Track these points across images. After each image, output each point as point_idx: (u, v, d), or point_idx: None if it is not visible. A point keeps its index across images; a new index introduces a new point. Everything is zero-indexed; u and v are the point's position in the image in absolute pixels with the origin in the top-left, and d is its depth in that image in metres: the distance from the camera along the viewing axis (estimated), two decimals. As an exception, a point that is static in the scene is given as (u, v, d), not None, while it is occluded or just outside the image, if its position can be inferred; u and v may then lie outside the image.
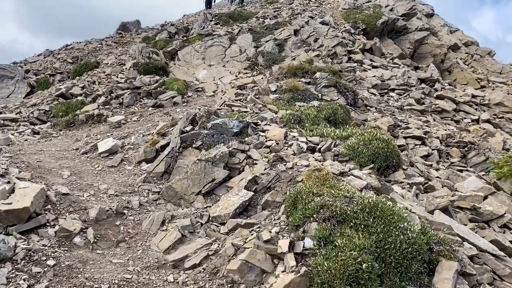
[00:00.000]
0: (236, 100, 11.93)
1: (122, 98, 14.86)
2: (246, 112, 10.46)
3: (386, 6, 25.95)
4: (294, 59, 18.96)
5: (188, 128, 9.00)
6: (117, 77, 16.77)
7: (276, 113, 10.85)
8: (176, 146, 8.50)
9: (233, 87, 16.83)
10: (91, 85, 16.11)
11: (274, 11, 27.19)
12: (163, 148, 8.88)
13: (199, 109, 10.48)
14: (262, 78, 17.30)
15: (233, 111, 10.41)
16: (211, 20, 25.56)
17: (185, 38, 23.34)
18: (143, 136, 10.07)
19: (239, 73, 18.71)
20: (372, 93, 15.38)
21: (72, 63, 19.67)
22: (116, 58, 19.83)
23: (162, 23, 35.07)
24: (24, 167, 7.43)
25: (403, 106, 14.70)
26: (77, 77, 17.65)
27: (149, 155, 8.77)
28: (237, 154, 7.66)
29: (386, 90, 16.27)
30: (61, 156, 8.80)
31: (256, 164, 7.47)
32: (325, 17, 23.57)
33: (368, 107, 13.75)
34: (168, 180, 7.80)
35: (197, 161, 7.32)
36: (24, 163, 7.63)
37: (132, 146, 9.53)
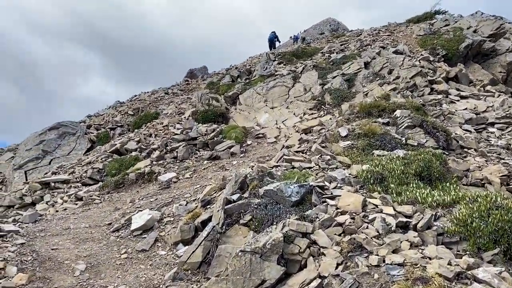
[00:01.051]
0: (298, 152, 9.72)
1: (177, 152, 13.36)
2: (310, 168, 8.21)
3: (468, 28, 22.66)
4: (366, 94, 16.48)
5: (235, 196, 6.95)
6: (174, 128, 15.46)
7: (348, 167, 8.48)
8: (218, 223, 6.44)
9: (297, 131, 14.71)
10: (147, 139, 14.89)
11: (341, 45, 25.05)
12: (204, 223, 6.87)
13: (252, 167, 8.43)
14: (330, 118, 15.01)
15: (293, 168, 8.22)
16: (274, 60, 24.03)
17: (247, 81, 21.92)
18: (187, 203, 8.20)
19: (304, 114, 16.60)
20: (466, 130, 12.37)
21: (133, 115, 18.94)
22: (176, 107, 18.76)
23: (227, 67, 34.51)
24: (29, 261, 5.80)
25: (510, 144, 11.50)
26: (136, 130, 16.66)
27: (187, 235, 6.79)
28: (296, 239, 5.39)
29: (483, 125, 13.11)
30: (86, 237, 7.16)
31: (324, 254, 5.14)
32: (398, 46, 20.91)
33: (465, 149, 10.80)
34: (206, 275, 5.70)
35: (240, 254, 5.16)
36: (33, 255, 6.03)
37: (172, 219, 7.66)
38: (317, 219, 5.98)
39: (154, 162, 12.96)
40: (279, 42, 41.03)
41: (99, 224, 7.88)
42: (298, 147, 11.30)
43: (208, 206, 7.58)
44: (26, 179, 15.18)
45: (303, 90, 18.45)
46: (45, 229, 7.57)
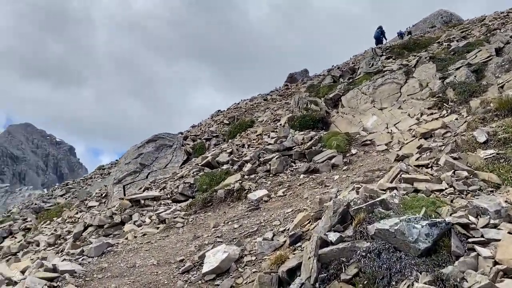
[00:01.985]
0: (420, 167, 7.27)
1: (270, 164, 11.71)
2: (440, 191, 5.82)
3: None
4: (502, 87, 13.06)
5: (333, 236, 4.96)
6: (269, 137, 13.88)
7: (497, 188, 5.91)
8: (310, 278, 4.52)
9: (414, 136, 12.04)
10: (239, 150, 13.56)
11: (462, 32, 21.20)
12: (291, 273, 4.99)
13: (356, 190, 6.31)
14: (456, 119, 12.02)
15: (416, 191, 5.90)
16: (381, 55, 21.19)
17: (350, 81, 19.53)
18: (273, 236, 6.41)
19: (421, 114, 13.72)
20: None
21: (228, 124, 17.89)
22: (272, 113, 17.23)
23: (329, 68, 32.22)
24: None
25: None
26: (230, 140, 15.49)
27: (268, 289, 4.97)
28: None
29: None
30: (149, 281, 5.81)
31: None
32: (541, 24, 16.69)
33: None
34: None
35: None
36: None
37: (253, 259, 5.93)
38: (465, 283, 3.72)
39: (246, 177, 11.48)
40: (386, 39, 37.48)
41: (169, 261, 6.51)
42: (418, 158, 8.80)
43: (298, 244, 5.69)
44: (124, 194, 14.90)
45: (419, 86, 15.51)
46: (108, 267, 6.47)
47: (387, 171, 8.36)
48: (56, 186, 34.67)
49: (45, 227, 15.99)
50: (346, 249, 4.69)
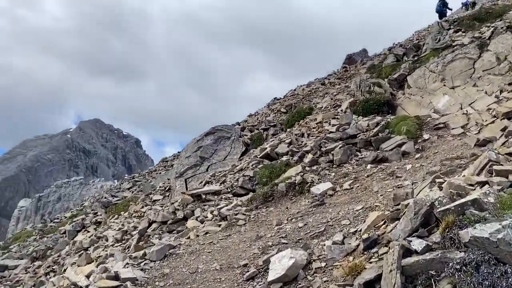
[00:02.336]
0: (511, 155, 6.23)
1: (332, 154, 11.01)
2: (545, 186, 4.87)
3: None
4: None
5: (418, 244, 4.27)
6: (329, 125, 13.12)
7: None
8: (393, 294, 3.89)
9: (494, 116, 10.74)
10: (299, 139, 12.95)
11: (544, -6, 18.83)
12: (369, 286, 4.37)
13: (439, 185, 5.49)
14: (545, 95, 10.57)
15: (513, 185, 4.99)
16: (448, 29, 19.38)
17: (415, 59, 18.06)
18: (344, 239, 5.79)
19: (500, 91, 12.25)
20: None
21: (285, 112, 17.25)
22: (331, 99, 16.35)
23: (389, 46, 30.37)
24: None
25: None
26: (288, 130, 14.91)
27: (342, 303, 4.40)
28: None
29: None
30: (211, 288, 5.43)
31: None
32: None
33: None
34: None
35: None
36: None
37: (323, 265, 5.36)
38: None
39: (307, 168, 10.89)
40: (450, 9, 34.58)
41: (232, 265, 6.13)
42: (505, 143, 7.71)
43: (374, 250, 5.04)
44: (186, 188, 14.92)
45: (495, 60, 13.89)
46: (170, 273, 6.23)
47: (470, 160, 7.40)
48: (124, 178, 36.22)
49: (113, 222, 16.51)
50: (435, 260, 3.99)
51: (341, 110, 14.38)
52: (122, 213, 17.31)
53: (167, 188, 17.24)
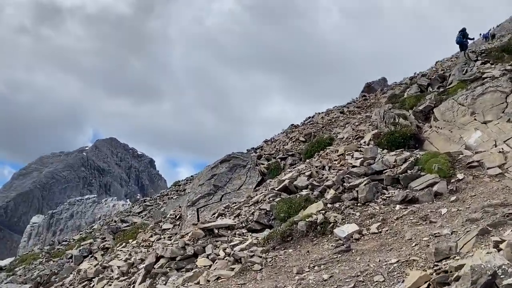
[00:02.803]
0: None
1: (357, 191, 10.18)
2: None
3: None
4: None
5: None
6: (352, 157, 12.32)
7: None
8: None
9: (536, 156, 9.84)
10: (319, 172, 12.16)
11: None
12: None
13: (495, 245, 4.64)
14: None
15: None
16: (475, 60, 18.66)
17: (441, 90, 17.30)
18: (379, 302, 4.92)
19: (539, 128, 11.38)
20: None
21: (304, 141, 16.51)
22: (353, 129, 15.59)
23: (411, 76, 29.70)
24: None
25: None
26: (307, 161, 14.13)
27: None
28: None
29: None
30: None
31: None
32: None
33: None
34: None
35: None
36: None
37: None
38: None
39: (329, 205, 10.06)
40: (472, 39, 33.91)
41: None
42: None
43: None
44: (198, 218, 14.15)
45: (531, 94, 13.05)
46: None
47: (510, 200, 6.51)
48: (136, 199, 35.63)
49: (120, 250, 15.76)
50: None
51: (364, 142, 13.59)
52: (130, 240, 16.58)
53: (177, 217, 16.50)
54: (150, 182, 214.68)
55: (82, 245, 21.53)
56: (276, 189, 12.09)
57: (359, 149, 12.91)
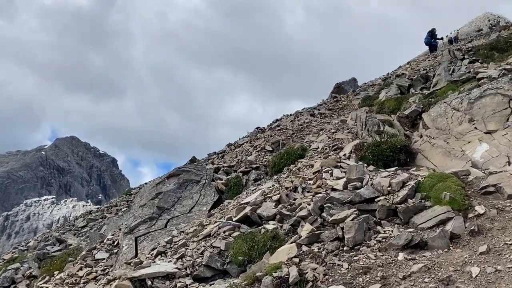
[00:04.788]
0: None
1: (342, 228, 7.39)
2: None
3: None
4: None
5: None
6: (331, 176, 9.55)
7: None
8: None
9: None
10: (290, 195, 9.31)
11: None
12: None
13: None
14: None
15: None
16: (462, 59, 16.45)
17: (427, 92, 14.91)
18: None
19: (559, 141, 9.01)
20: None
21: (271, 151, 13.65)
22: (329, 137, 12.85)
23: (384, 76, 27.55)
24: None
25: None
26: (275, 177, 11.26)
27: None
28: None
29: None
30: None
31: None
32: None
33: None
34: None
35: None
36: None
37: None
38: None
39: (304, 248, 7.25)
40: (440, 39, 32.30)
41: None
42: None
43: None
44: (136, 251, 11.03)
45: (542, 98, 10.76)
46: None
47: None
48: (81, 212, 31.74)
49: (40, 287, 12.39)
50: None
51: (344, 155, 10.87)
52: (56, 273, 13.20)
53: (116, 243, 13.25)
54: (113, 182, 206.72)
55: (8, 269, 17.81)
56: (234, 219, 9.14)
57: (339, 164, 10.15)
